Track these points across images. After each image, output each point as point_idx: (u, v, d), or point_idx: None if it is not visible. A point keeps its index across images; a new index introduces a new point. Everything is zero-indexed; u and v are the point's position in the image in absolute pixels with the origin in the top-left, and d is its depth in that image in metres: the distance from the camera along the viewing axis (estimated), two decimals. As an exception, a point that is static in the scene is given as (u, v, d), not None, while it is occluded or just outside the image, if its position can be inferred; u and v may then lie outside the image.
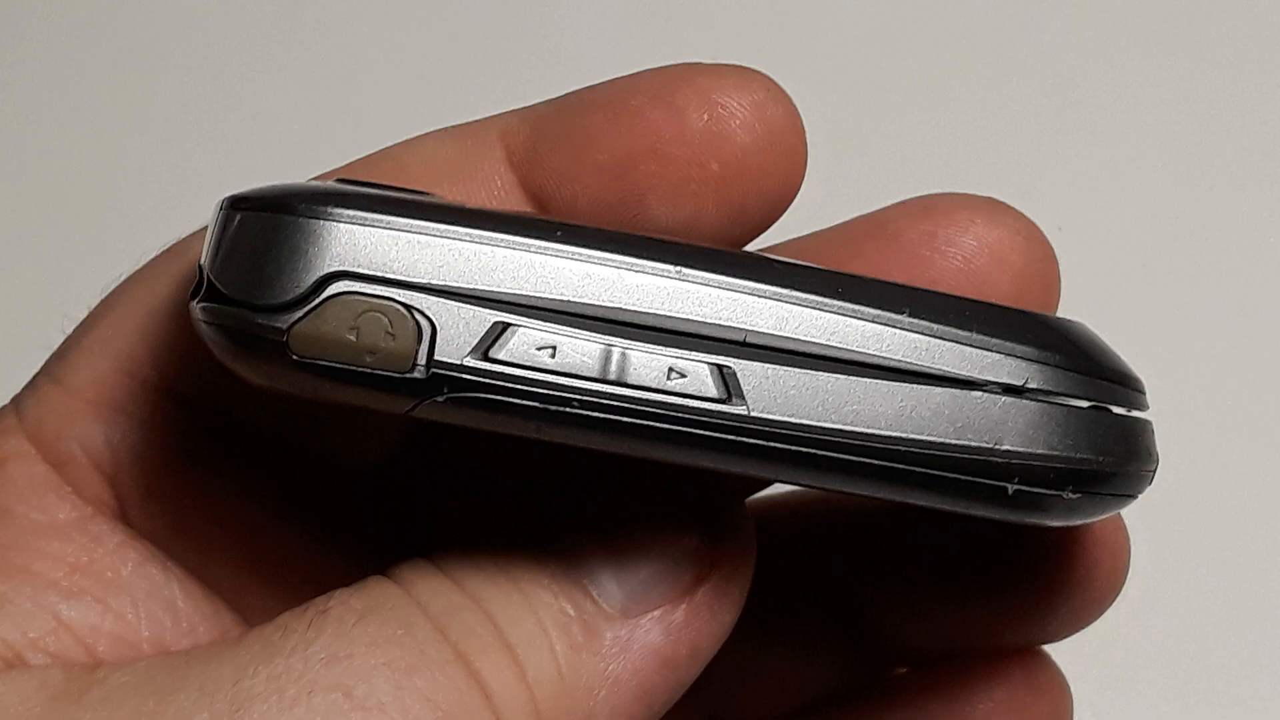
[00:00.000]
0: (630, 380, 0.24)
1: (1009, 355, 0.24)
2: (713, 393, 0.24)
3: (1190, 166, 0.59)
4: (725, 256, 0.24)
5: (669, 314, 0.24)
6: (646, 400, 0.24)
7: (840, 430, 0.24)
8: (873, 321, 0.24)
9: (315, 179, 0.27)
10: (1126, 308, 0.56)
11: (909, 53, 0.61)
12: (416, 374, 0.24)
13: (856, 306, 0.24)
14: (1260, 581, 0.54)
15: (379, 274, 0.24)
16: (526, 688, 0.25)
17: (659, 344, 0.24)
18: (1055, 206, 0.53)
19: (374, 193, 0.24)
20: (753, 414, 0.24)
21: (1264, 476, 0.55)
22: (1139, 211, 0.58)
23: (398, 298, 0.24)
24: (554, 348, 0.24)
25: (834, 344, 0.24)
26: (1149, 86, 0.60)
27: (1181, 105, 0.60)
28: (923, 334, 0.24)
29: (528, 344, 0.24)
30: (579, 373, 0.24)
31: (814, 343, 0.24)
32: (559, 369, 0.24)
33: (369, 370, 0.23)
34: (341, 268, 0.24)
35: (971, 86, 0.60)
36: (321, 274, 0.24)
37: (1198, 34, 0.60)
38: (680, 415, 0.24)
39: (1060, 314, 0.27)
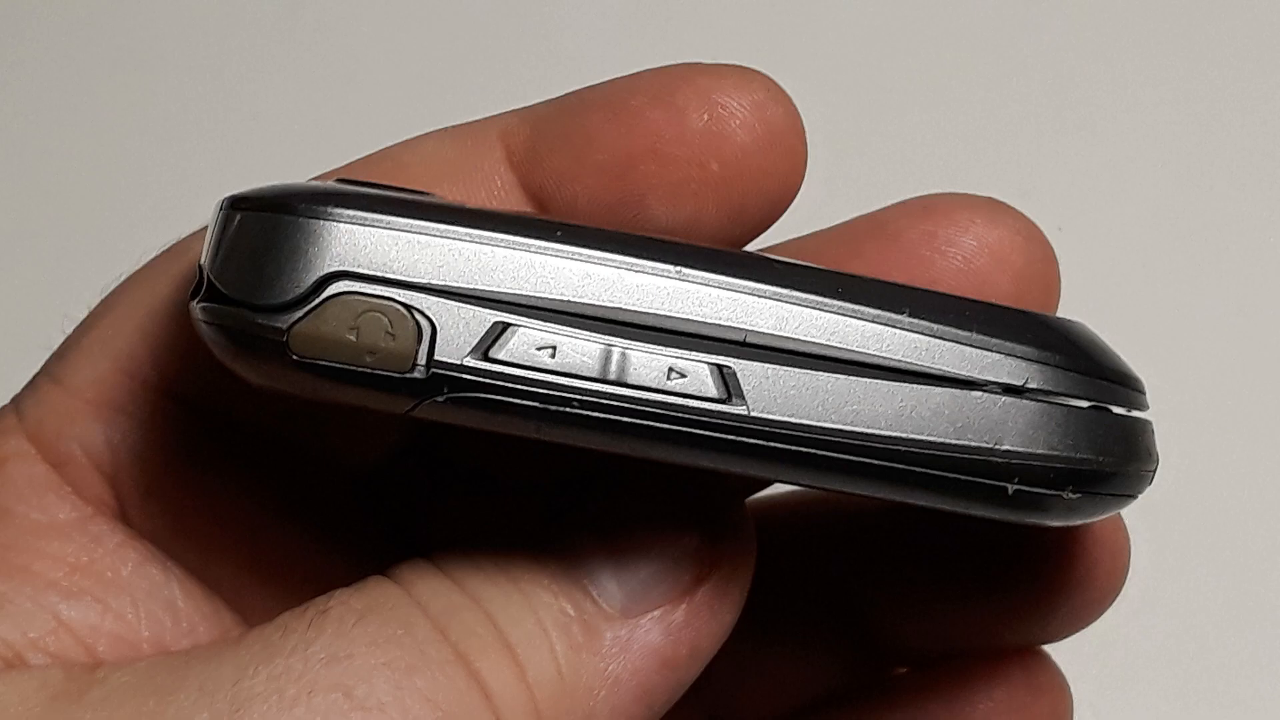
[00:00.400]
0: (630, 380, 0.24)
1: (1009, 355, 0.24)
2: (713, 393, 0.24)
3: (1190, 166, 0.59)
4: (725, 256, 0.24)
5: (669, 314, 0.24)
6: (646, 400, 0.24)
7: (840, 430, 0.24)
8: (873, 321, 0.24)
9: (315, 179, 0.27)
10: (1126, 308, 0.56)
11: (909, 52, 0.61)
12: (416, 374, 0.23)
13: (856, 306, 0.24)
14: (1260, 581, 0.54)
15: (379, 274, 0.24)
16: (526, 688, 0.25)
17: (659, 344, 0.24)
18: (1055, 206, 0.53)
19: (374, 193, 0.24)
20: (753, 414, 0.24)
21: (1264, 476, 0.55)
22: (1139, 211, 0.58)
23: (398, 298, 0.24)
24: (554, 348, 0.24)
25: (834, 344, 0.24)
26: (1149, 86, 0.60)
27: (1181, 105, 0.60)
28: (923, 334, 0.24)
29: (528, 344, 0.24)
30: (579, 373, 0.24)
31: (814, 343, 0.24)
32: (559, 369, 0.24)
33: (369, 370, 0.23)
34: (341, 268, 0.24)
35: (971, 86, 0.60)
36: (321, 274, 0.24)
37: (1198, 34, 0.60)
38: (680, 415, 0.24)
39: (1060, 314, 0.27)
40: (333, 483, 0.31)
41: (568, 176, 0.28)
